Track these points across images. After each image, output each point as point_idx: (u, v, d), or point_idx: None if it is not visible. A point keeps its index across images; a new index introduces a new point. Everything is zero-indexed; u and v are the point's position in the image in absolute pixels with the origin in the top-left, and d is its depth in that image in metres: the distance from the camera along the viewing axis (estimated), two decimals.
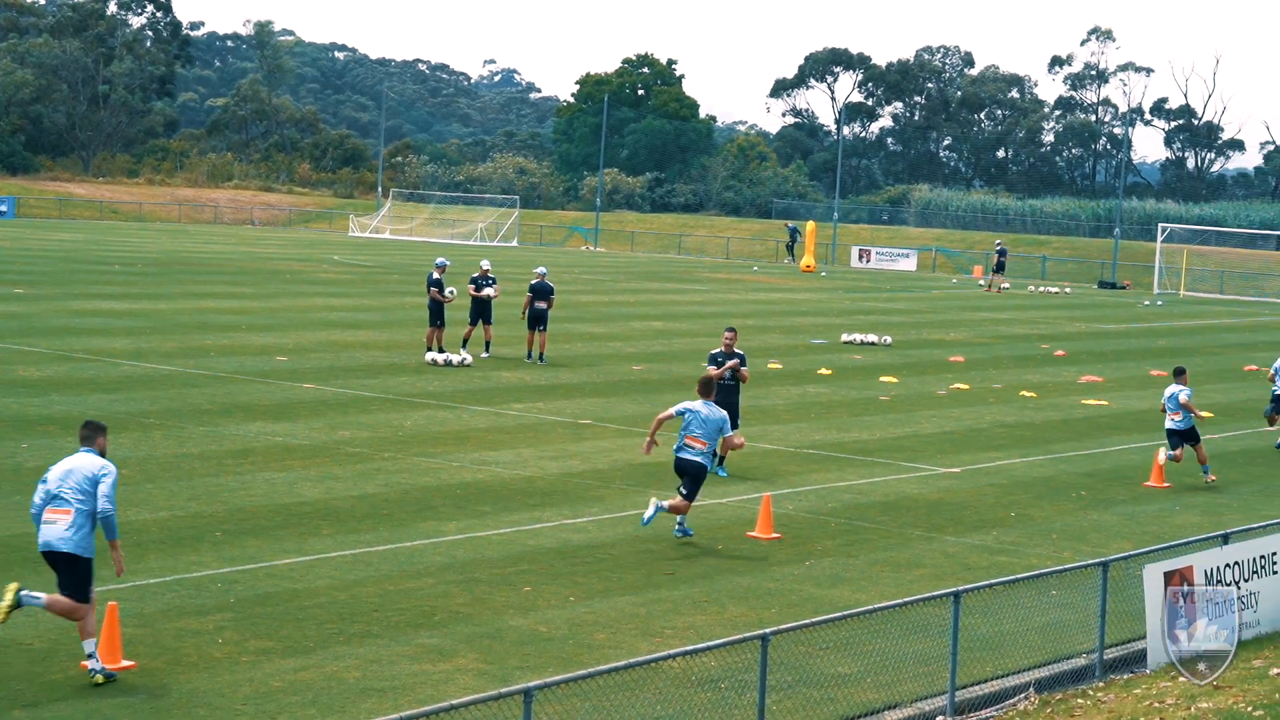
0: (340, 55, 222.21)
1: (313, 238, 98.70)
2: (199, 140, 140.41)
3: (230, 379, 31.67)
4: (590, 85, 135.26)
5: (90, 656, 13.42)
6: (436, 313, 36.56)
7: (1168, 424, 25.92)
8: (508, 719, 11.34)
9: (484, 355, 37.19)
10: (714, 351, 25.10)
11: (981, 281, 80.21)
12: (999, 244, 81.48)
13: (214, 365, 33.52)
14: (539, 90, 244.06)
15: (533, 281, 37.50)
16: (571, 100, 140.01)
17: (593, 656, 14.67)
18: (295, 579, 17.02)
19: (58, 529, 13.42)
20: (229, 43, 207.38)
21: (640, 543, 19.59)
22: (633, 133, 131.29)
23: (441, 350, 36.23)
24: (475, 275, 37.66)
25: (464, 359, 35.85)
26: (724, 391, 23.48)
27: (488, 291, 37.30)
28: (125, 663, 13.83)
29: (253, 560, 17.67)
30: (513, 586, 17.21)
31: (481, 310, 37.35)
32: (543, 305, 36.86)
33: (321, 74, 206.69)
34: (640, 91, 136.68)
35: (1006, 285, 77.65)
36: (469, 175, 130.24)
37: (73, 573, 13.44)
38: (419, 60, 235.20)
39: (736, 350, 24.77)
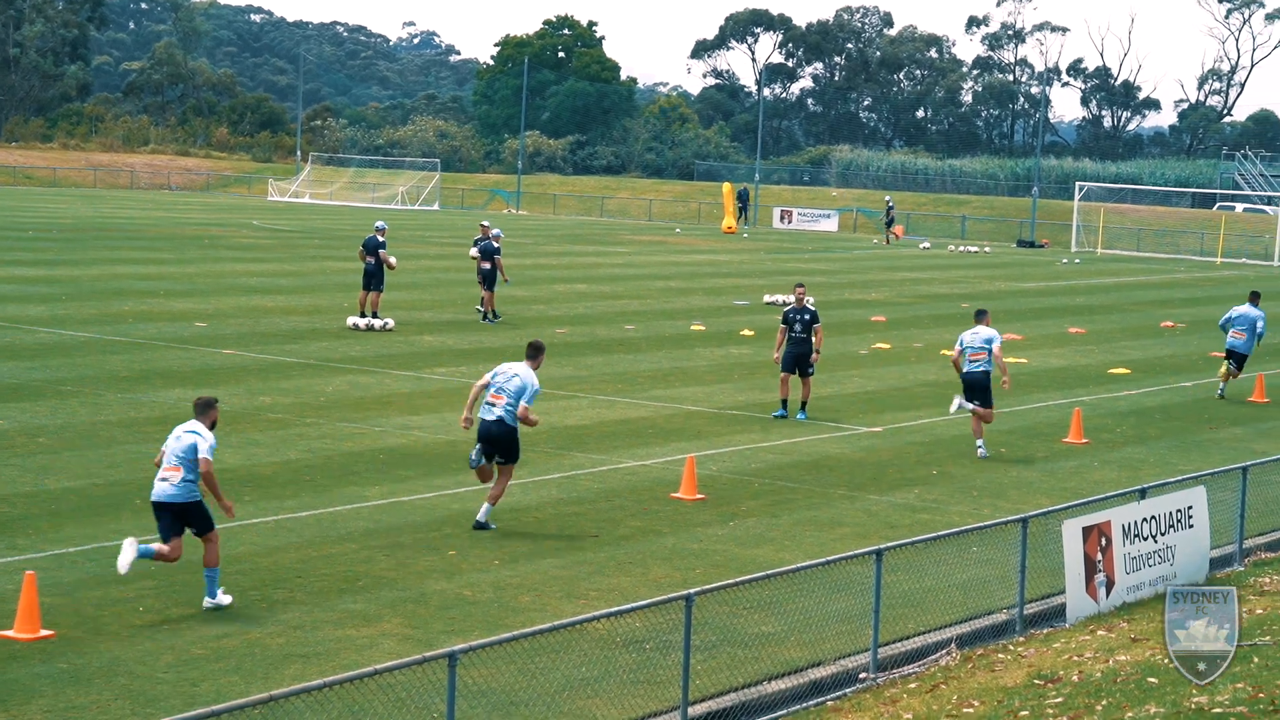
0: (256, 18, 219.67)
1: (231, 202, 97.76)
2: (114, 104, 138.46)
3: (149, 345, 31.35)
4: (510, 47, 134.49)
5: None
6: (377, 276, 36.27)
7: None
8: (433, 683, 11.33)
9: (490, 320, 37.97)
10: (787, 309, 26.36)
11: (886, 238, 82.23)
12: (889, 200, 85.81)
13: (132, 332, 33.17)
14: (459, 53, 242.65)
15: (480, 241, 38.63)
16: (491, 62, 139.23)
17: (518, 619, 14.68)
18: None
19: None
20: (143, 4, 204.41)
21: (564, 505, 19.60)
22: (554, 95, 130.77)
23: (375, 315, 36.05)
24: (478, 238, 39.08)
25: (386, 323, 35.69)
26: (795, 344, 25.73)
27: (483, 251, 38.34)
28: (44, 632, 13.70)
29: None
30: (437, 551, 17.17)
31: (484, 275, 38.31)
32: (487, 265, 37.72)
33: (238, 37, 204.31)
34: (561, 54, 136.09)
35: (897, 238, 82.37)
36: (389, 139, 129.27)
37: None
38: (336, 23, 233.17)
39: (808, 306, 26.23)
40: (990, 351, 23.69)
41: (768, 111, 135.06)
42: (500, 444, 18.00)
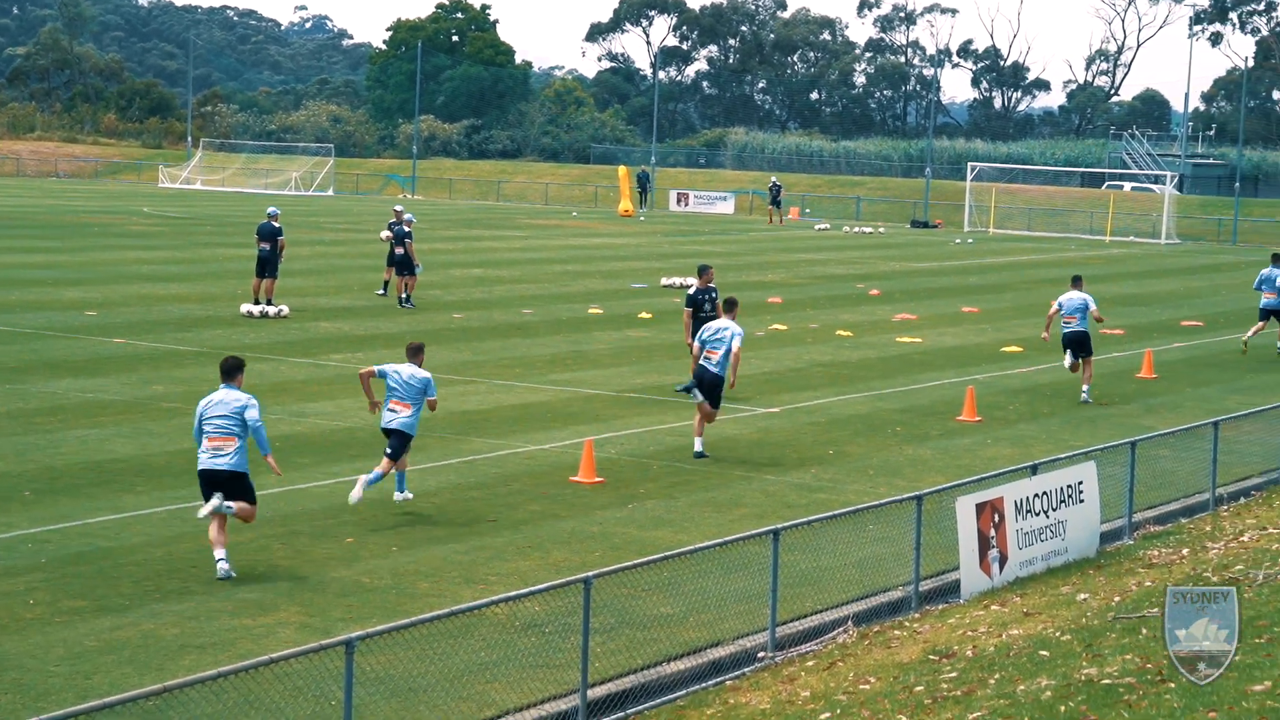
0: (144, 2, 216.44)
1: (121, 189, 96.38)
2: None
3: (38, 335, 30.86)
4: (403, 32, 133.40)
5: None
6: (271, 263, 36.01)
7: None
8: (330, 670, 11.28)
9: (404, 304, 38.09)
10: (694, 290, 26.84)
11: (778, 218, 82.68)
12: (774, 180, 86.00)
13: (20, 321, 32.64)
14: (351, 37, 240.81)
15: (392, 223, 38.80)
16: (384, 47, 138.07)
17: (416, 605, 14.64)
18: (109, 537, 16.70)
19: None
20: None
21: (463, 490, 19.56)
22: (449, 79, 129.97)
23: (270, 302, 35.78)
24: (391, 222, 39.06)
25: (280, 310, 35.40)
26: (704, 322, 25.97)
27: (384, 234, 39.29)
28: None
29: (64, 519, 17.29)
30: (334, 538, 17.08)
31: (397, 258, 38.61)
32: (400, 250, 37.92)
33: (125, 21, 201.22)
34: (455, 37, 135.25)
35: (788, 218, 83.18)
36: (281, 124, 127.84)
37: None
38: (226, 7, 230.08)
39: (712, 286, 26.88)
40: (1085, 314, 27.70)
41: (663, 94, 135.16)
42: (708, 389, 21.83)
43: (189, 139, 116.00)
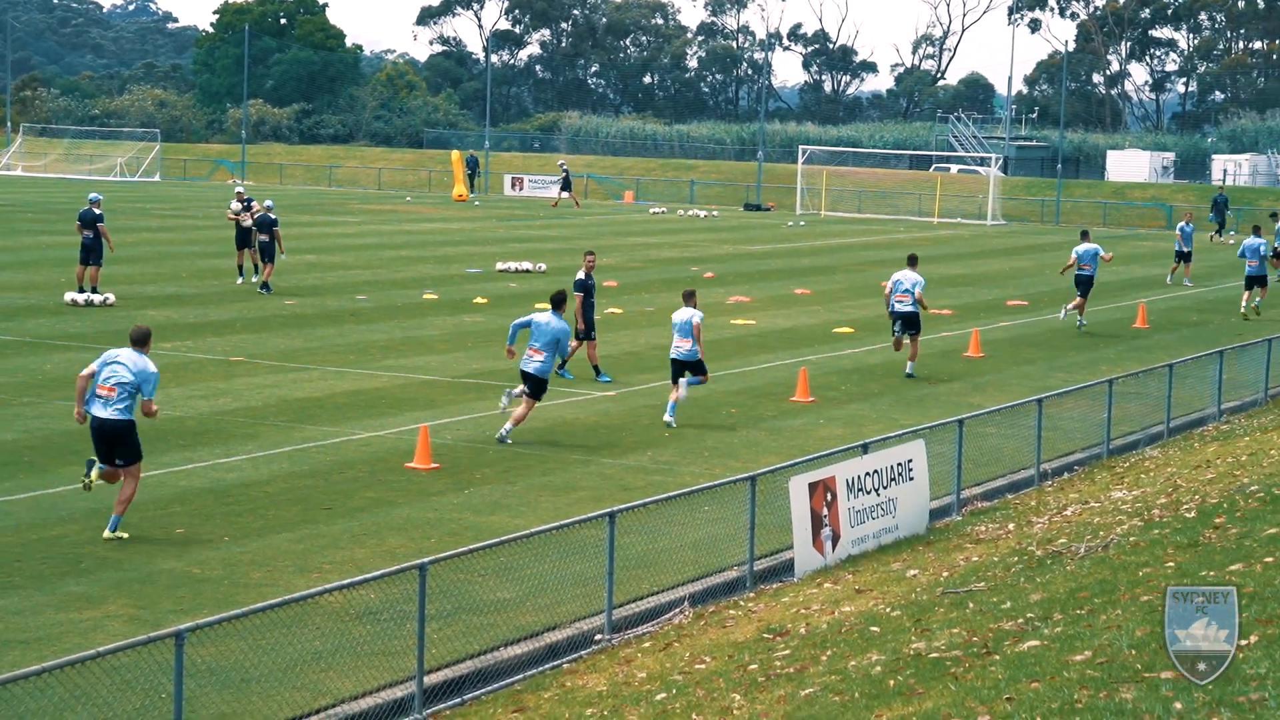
0: None
1: None
2: None
3: None
4: (230, 15, 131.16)
5: None
6: (95, 250, 35.42)
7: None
8: (160, 663, 11.11)
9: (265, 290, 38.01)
10: (579, 277, 27.78)
11: (555, 200, 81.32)
12: (562, 163, 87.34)
13: None
14: (176, 20, 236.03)
15: (256, 215, 38.99)
16: (211, 30, 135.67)
17: (249, 595, 14.47)
18: None
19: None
20: None
21: (297, 479, 19.35)
22: (278, 63, 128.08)
23: (95, 290, 35.10)
24: (237, 207, 40.08)
25: (106, 298, 34.71)
26: (591, 309, 27.54)
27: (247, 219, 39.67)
28: None
29: None
30: (164, 529, 16.81)
31: (248, 241, 39.45)
32: (264, 238, 38.19)
33: None
34: (283, 21, 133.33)
35: (574, 204, 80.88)
36: (105, 109, 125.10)
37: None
38: None
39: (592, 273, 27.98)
40: (1096, 261, 35.68)
41: (496, 78, 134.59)
42: (911, 324, 28.34)
43: (8, 124, 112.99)
